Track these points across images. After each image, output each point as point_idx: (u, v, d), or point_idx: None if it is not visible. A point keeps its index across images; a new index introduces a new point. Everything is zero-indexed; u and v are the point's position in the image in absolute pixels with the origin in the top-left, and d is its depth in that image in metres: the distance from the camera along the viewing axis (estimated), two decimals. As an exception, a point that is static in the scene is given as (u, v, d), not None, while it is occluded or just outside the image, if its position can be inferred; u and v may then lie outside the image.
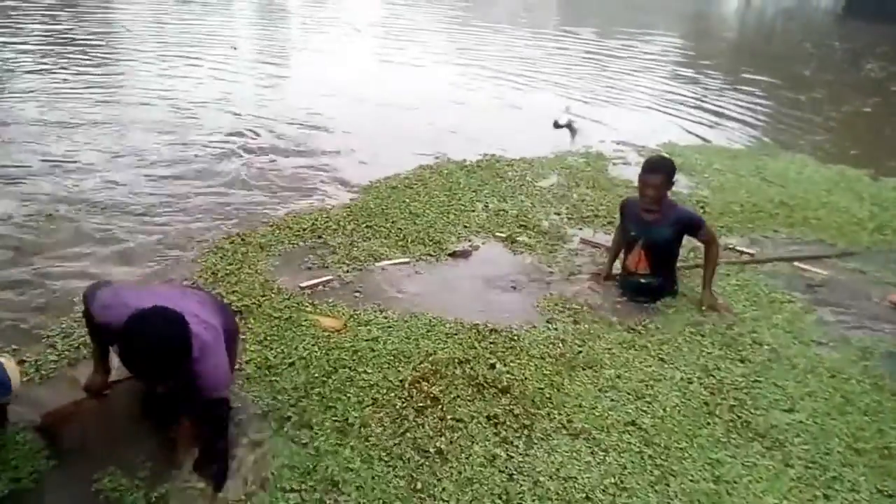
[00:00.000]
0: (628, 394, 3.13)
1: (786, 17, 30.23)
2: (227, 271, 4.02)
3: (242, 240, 4.46)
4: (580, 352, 3.43)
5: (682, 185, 6.10)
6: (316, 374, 3.07)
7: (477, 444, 2.72)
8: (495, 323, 3.65)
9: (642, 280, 4.01)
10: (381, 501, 2.43)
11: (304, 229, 4.69)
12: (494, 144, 7.07)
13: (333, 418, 2.80)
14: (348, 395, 2.95)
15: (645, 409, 3.04)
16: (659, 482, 2.62)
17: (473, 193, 5.61)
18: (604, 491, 2.56)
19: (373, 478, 2.52)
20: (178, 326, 2.18)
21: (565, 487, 2.55)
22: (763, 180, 6.50)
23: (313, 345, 3.31)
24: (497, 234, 4.88)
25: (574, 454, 2.72)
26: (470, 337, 3.47)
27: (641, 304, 3.98)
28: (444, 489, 2.49)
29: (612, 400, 3.08)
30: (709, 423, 2.98)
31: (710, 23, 26.04)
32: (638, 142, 7.63)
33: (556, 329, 3.66)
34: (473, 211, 5.26)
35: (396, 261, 4.33)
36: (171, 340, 2.13)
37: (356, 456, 2.61)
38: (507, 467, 2.62)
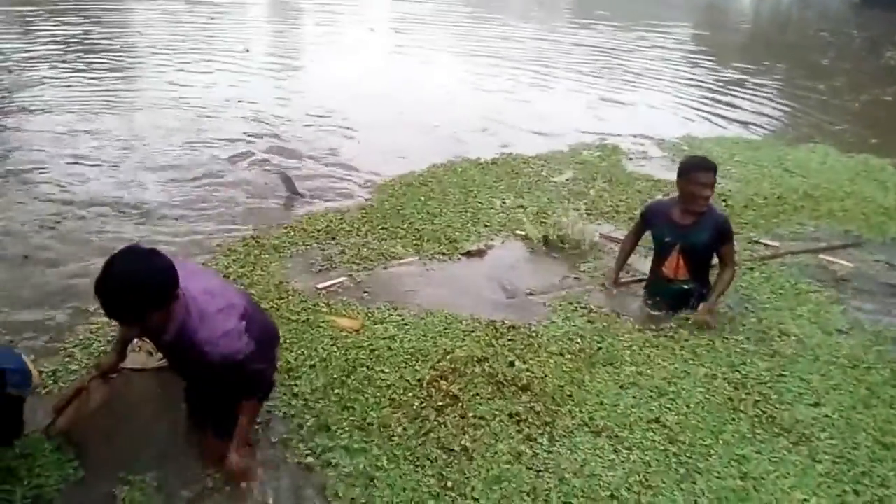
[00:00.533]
0: (650, 391, 3.09)
1: (801, 5, 29.80)
2: (240, 273, 4.03)
3: (256, 242, 4.46)
4: (600, 348, 3.40)
5: None
6: (334, 375, 3.06)
7: (501, 441, 2.72)
8: (513, 320, 3.63)
9: (685, 286, 3.77)
10: (413, 499, 2.43)
11: (319, 230, 4.69)
12: (509, 141, 7.06)
13: (352, 419, 2.79)
14: (366, 395, 2.94)
15: (668, 406, 3.00)
16: (685, 480, 2.59)
17: (489, 190, 5.59)
18: (629, 489, 2.53)
19: (401, 476, 2.52)
20: (152, 268, 2.10)
21: (590, 485, 2.54)
22: (785, 171, 6.42)
23: (332, 345, 3.30)
24: (517, 231, 4.84)
25: (598, 452, 2.70)
26: (488, 335, 3.45)
27: (675, 311, 3.77)
28: (473, 487, 2.49)
29: (634, 397, 3.05)
30: (734, 419, 2.94)
31: (724, 13, 25.71)
32: (654, 134, 7.56)
33: (574, 325, 3.63)
34: (492, 208, 5.23)
35: (407, 260, 4.31)
36: (136, 275, 2.05)
37: (383, 455, 2.61)
38: (533, 464, 2.61)
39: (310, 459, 2.62)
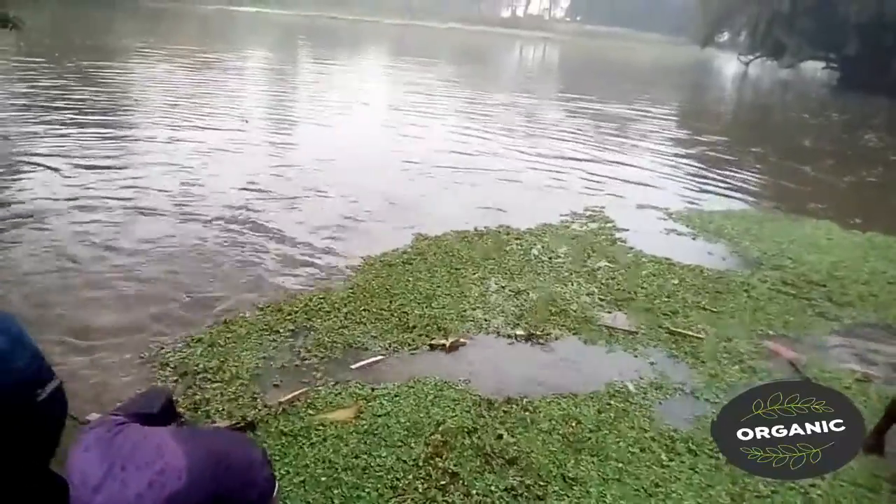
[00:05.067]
0: (636, 490, 2.87)
1: (782, 88, 30.76)
2: (210, 369, 3.50)
3: (227, 328, 3.93)
4: (589, 438, 3.19)
5: (719, 253, 5.91)
6: (329, 480, 2.76)
7: None
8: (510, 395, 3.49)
9: None
10: None
11: (296, 311, 4.17)
12: (496, 214, 6.61)
13: None
14: (367, 489, 2.73)
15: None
16: None
17: (478, 269, 5.09)
18: None
19: None
20: None
21: None
22: (800, 247, 6.22)
23: (321, 447, 2.96)
24: (520, 328, 4.25)
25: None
26: (478, 405, 3.37)
27: None
28: None
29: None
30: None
31: (708, 94, 26.38)
32: (659, 205, 7.32)
33: (578, 411, 3.40)
34: (487, 292, 4.73)
35: (372, 360, 3.76)
36: None
37: None
38: None
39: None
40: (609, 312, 4.56)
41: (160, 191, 6.49)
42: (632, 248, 5.81)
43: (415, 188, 7.43)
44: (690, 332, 4.33)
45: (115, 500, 1.72)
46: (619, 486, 2.87)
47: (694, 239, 6.36)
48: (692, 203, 7.79)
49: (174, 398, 2.68)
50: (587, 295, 4.79)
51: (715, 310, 4.70)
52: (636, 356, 4.04)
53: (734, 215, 7.34)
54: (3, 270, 4.49)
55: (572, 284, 4.94)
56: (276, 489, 2.17)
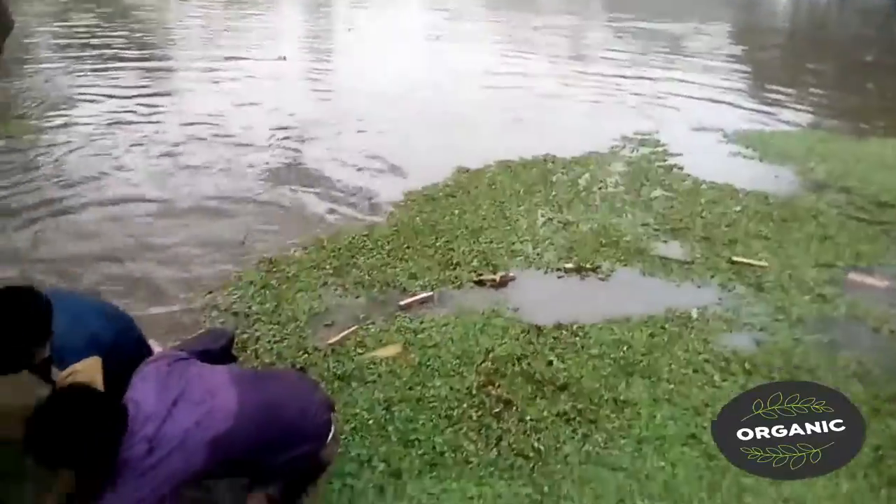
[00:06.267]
0: (685, 409, 2.86)
1: (840, 5, 28.74)
2: (262, 311, 3.47)
3: (274, 268, 3.87)
4: (641, 361, 3.14)
5: (784, 177, 5.62)
6: (384, 416, 2.75)
7: (566, 444, 2.65)
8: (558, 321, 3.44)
9: None
10: None
11: (339, 249, 4.08)
12: (541, 141, 6.23)
13: (421, 453, 2.56)
14: (422, 421, 2.72)
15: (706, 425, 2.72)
16: None
17: (523, 201, 4.88)
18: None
19: (499, 496, 2.39)
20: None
21: (661, 488, 2.45)
22: (868, 166, 5.79)
23: (374, 385, 2.94)
24: (570, 262, 4.08)
25: (642, 457, 2.59)
26: (527, 332, 3.33)
27: None
28: (567, 490, 2.43)
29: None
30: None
31: (761, 8, 24.77)
32: (713, 126, 6.89)
33: (629, 336, 3.34)
34: (534, 225, 4.53)
35: (420, 296, 3.65)
36: None
37: (470, 483, 2.44)
38: (605, 464, 2.56)
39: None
40: (665, 243, 4.34)
41: (201, 124, 6.44)
42: (689, 175, 5.48)
43: (454, 118, 7.12)
44: (754, 262, 4.08)
45: (162, 433, 1.75)
46: (669, 406, 2.86)
47: (755, 162, 5.98)
48: (751, 124, 7.29)
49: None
50: (642, 226, 4.56)
51: (780, 239, 4.42)
52: (693, 286, 3.88)
53: (796, 135, 6.88)
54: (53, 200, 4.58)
55: (626, 215, 4.71)
56: (331, 433, 2.14)
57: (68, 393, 1.75)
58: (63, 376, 1.93)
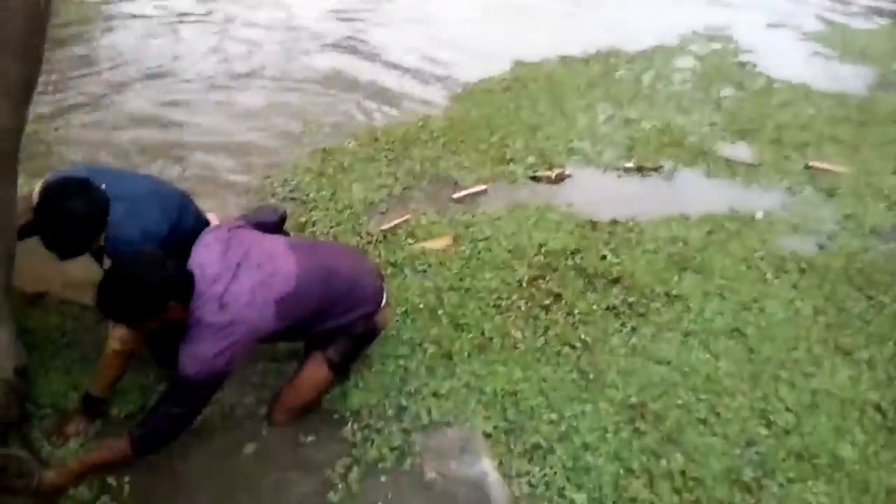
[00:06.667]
0: (734, 304, 2.88)
1: None
2: (319, 198, 3.49)
3: (330, 157, 3.85)
4: (695, 258, 3.12)
5: (865, 77, 5.23)
6: (435, 302, 2.78)
7: (613, 335, 2.68)
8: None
9: None
10: (566, 397, 2.41)
11: (394, 141, 4.01)
12: (602, 34, 5.82)
13: (470, 336, 2.62)
14: (471, 308, 2.76)
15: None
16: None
17: (583, 97, 4.66)
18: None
19: (545, 380, 2.46)
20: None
21: (706, 381, 2.50)
22: None
23: (425, 274, 2.97)
24: (630, 161, 3.94)
25: (687, 349, 2.63)
26: (582, 226, 3.30)
27: None
28: (612, 379, 2.48)
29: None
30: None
31: None
32: (792, 24, 6.33)
33: (686, 233, 3.30)
34: (594, 122, 4.35)
35: (473, 189, 3.60)
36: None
37: (517, 366, 2.51)
38: (651, 356, 2.59)
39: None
40: (732, 143, 4.14)
41: (253, 26, 6.28)
42: (761, 73, 5.12)
43: (510, 6, 6.74)
44: (830, 167, 3.88)
45: (230, 291, 1.85)
46: (720, 300, 2.88)
47: (834, 61, 5.53)
48: (831, 20, 6.66)
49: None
50: (708, 125, 4.34)
51: (856, 143, 4.16)
52: (759, 188, 3.75)
53: (880, 33, 6.28)
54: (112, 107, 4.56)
55: (691, 114, 4.47)
56: (384, 299, 2.25)
57: (133, 255, 1.85)
58: None
